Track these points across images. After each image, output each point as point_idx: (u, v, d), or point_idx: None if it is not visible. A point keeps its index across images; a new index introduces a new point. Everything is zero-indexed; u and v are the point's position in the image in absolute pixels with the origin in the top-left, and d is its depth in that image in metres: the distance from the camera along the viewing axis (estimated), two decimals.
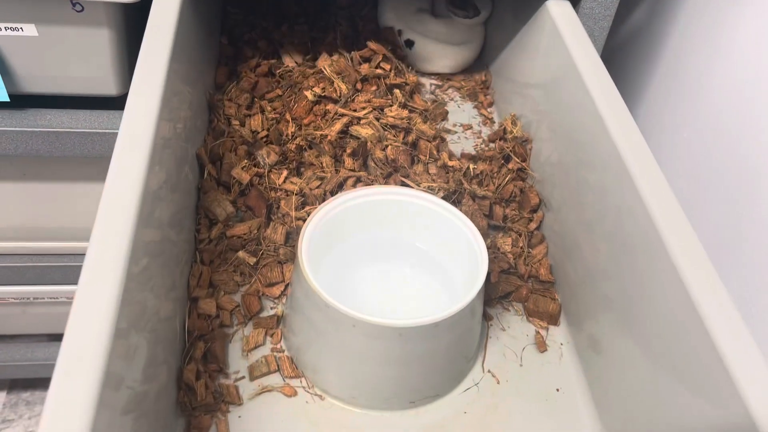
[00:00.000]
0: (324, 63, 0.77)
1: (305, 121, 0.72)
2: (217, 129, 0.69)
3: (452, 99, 0.82)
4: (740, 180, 0.69)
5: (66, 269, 0.94)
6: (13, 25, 0.66)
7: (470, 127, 0.78)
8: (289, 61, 0.78)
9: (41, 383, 1.24)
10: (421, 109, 0.73)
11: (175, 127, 0.60)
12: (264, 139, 0.70)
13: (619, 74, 0.94)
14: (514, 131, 0.71)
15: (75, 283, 0.81)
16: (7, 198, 0.84)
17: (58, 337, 1.12)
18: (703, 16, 0.78)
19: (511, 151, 0.70)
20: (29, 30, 0.66)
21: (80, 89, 0.73)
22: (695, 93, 0.78)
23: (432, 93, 0.83)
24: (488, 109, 0.81)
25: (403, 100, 0.73)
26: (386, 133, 0.69)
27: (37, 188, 0.83)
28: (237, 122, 0.71)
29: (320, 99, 0.73)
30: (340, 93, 0.72)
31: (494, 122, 0.80)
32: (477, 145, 0.76)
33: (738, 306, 0.49)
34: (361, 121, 0.70)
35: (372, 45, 0.77)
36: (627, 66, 0.95)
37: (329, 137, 0.68)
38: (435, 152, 0.67)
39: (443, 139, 0.70)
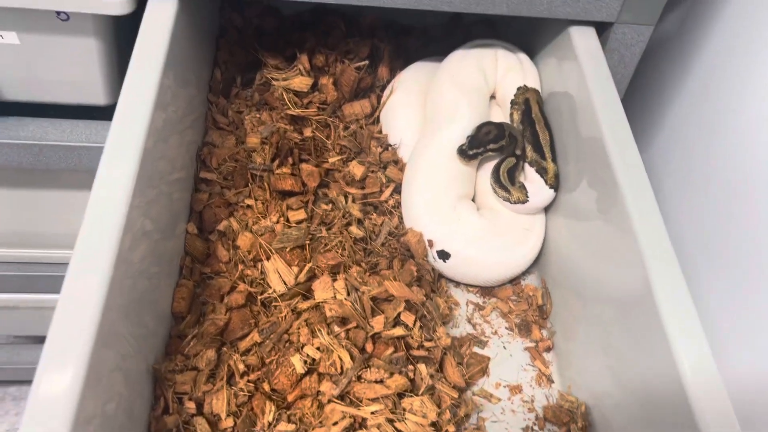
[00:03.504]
0: (323, 295, 0.55)
1: (290, 397, 0.51)
2: (160, 424, 0.48)
3: (496, 332, 0.61)
4: None
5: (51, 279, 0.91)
6: None
7: (519, 389, 0.57)
8: (275, 281, 0.57)
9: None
10: (455, 397, 0.52)
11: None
12: None
13: (645, 95, 0.85)
14: None
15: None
16: None
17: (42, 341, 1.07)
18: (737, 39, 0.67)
19: None
20: (9, 38, 0.62)
21: (66, 98, 0.69)
22: (725, 123, 0.68)
23: (469, 320, 0.61)
24: (545, 357, 0.59)
25: (430, 383, 0.51)
26: None
27: (19, 195, 0.80)
28: (192, 404, 0.50)
29: (312, 368, 0.51)
30: (342, 368, 0.51)
31: (553, 382, 0.58)
32: (529, 427, 0.54)
33: None
34: (369, 423, 0.49)
35: (390, 287, 0.55)
36: (655, 86, 0.83)
37: None
38: None
39: None
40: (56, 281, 0.91)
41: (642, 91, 0.85)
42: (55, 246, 0.88)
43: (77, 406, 0.37)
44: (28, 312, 0.98)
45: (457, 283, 0.64)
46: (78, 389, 0.37)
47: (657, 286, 0.48)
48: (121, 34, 0.66)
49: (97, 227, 0.44)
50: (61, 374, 0.38)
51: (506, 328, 0.61)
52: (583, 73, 0.60)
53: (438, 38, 0.83)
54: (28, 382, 1.14)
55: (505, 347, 0.60)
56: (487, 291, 0.63)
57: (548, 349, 0.60)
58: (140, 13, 0.58)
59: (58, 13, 0.60)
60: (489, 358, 0.58)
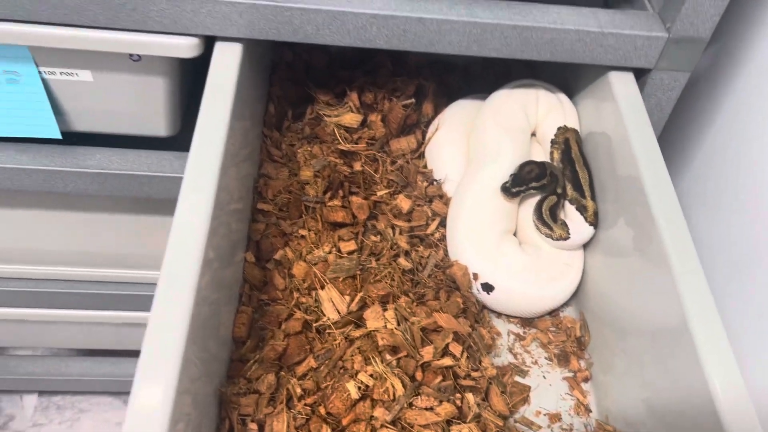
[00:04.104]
0: (375, 324, 0.58)
1: (344, 421, 0.54)
2: None
3: (536, 361, 0.64)
4: None
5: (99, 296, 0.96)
6: (69, 71, 0.66)
7: (558, 418, 0.60)
8: (329, 309, 0.60)
9: None
10: (500, 425, 0.55)
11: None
12: None
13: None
14: None
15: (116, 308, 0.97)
16: (53, 225, 0.86)
17: (90, 353, 1.17)
18: None
19: None
20: (84, 75, 0.67)
21: (131, 130, 0.74)
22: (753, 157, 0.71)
23: (510, 350, 0.64)
24: (583, 387, 0.62)
25: (477, 411, 0.54)
26: None
27: (82, 218, 0.85)
28: (254, 426, 0.54)
29: (366, 394, 0.55)
30: (394, 395, 0.54)
31: (591, 411, 0.61)
32: None
33: None
34: None
35: (439, 318, 0.58)
36: (685, 121, 0.86)
37: None
38: None
39: None
40: (101, 298, 0.96)
41: (673, 126, 0.88)
42: (106, 266, 0.93)
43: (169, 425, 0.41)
44: (75, 326, 1.03)
45: (499, 314, 0.67)
46: (168, 410, 0.41)
47: (693, 322, 0.51)
48: (184, 71, 0.71)
49: (180, 255, 0.48)
50: (154, 392, 0.42)
51: (546, 358, 0.64)
52: (623, 118, 0.63)
53: (478, 75, 0.87)
54: (72, 392, 1.20)
55: (544, 377, 0.63)
56: (527, 322, 0.66)
57: (586, 380, 0.63)
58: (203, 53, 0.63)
59: (131, 54, 0.64)
60: (530, 387, 0.61)
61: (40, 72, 0.66)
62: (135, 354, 1.17)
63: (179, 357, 0.44)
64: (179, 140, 0.75)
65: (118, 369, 1.11)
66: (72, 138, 0.74)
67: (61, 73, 0.66)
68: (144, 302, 0.96)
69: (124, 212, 0.85)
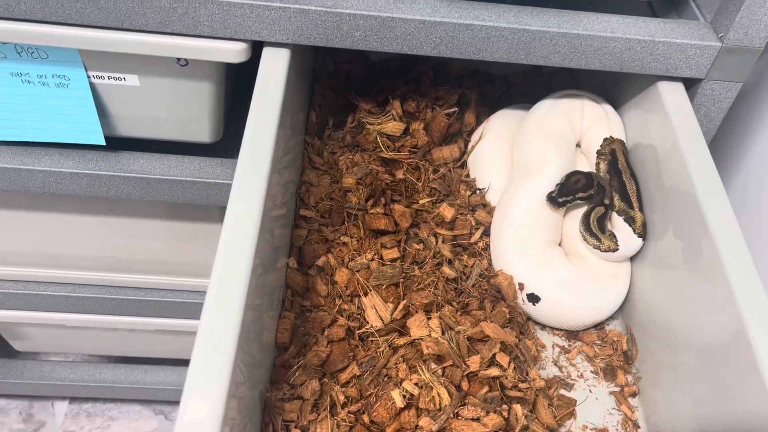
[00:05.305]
0: (419, 332, 0.58)
1: (389, 430, 0.53)
2: None
3: (582, 375, 0.62)
4: None
5: (143, 303, 0.97)
6: (117, 75, 0.67)
7: None
8: (372, 317, 0.60)
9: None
10: None
11: None
12: None
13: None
14: None
15: (152, 315, 0.97)
16: (91, 231, 0.86)
17: (122, 360, 1.19)
18: None
19: None
20: (132, 80, 0.67)
21: (175, 135, 0.74)
22: None
23: (555, 363, 0.63)
24: (631, 401, 0.61)
25: (525, 423, 0.53)
26: None
27: (120, 223, 0.85)
28: (298, 431, 0.53)
29: (410, 403, 0.54)
30: (440, 404, 0.53)
31: (639, 427, 0.59)
32: None
33: None
34: None
35: (486, 328, 0.57)
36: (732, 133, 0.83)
37: None
38: None
39: None
40: (137, 305, 0.96)
41: (718, 136, 0.87)
42: (143, 272, 0.93)
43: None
44: (110, 332, 1.03)
45: (543, 326, 0.66)
46: (220, 416, 0.41)
47: (753, 336, 0.49)
48: (228, 76, 0.71)
49: (230, 262, 0.48)
50: (205, 402, 0.41)
51: (591, 371, 0.63)
52: (673, 129, 0.62)
53: (518, 86, 0.86)
54: (102, 400, 1.20)
55: (590, 391, 0.61)
56: (572, 334, 0.65)
57: (633, 395, 0.61)
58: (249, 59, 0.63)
59: (179, 59, 0.65)
60: (576, 401, 0.59)
61: (88, 76, 0.66)
62: (167, 362, 1.17)
63: (230, 364, 0.43)
64: (215, 146, 0.76)
65: (150, 377, 1.11)
66: (112, 143, 0.74)
67: (109, 78, 0.67)
68: (179, 309, 0.96)
69: (161, 218, 0.85)
